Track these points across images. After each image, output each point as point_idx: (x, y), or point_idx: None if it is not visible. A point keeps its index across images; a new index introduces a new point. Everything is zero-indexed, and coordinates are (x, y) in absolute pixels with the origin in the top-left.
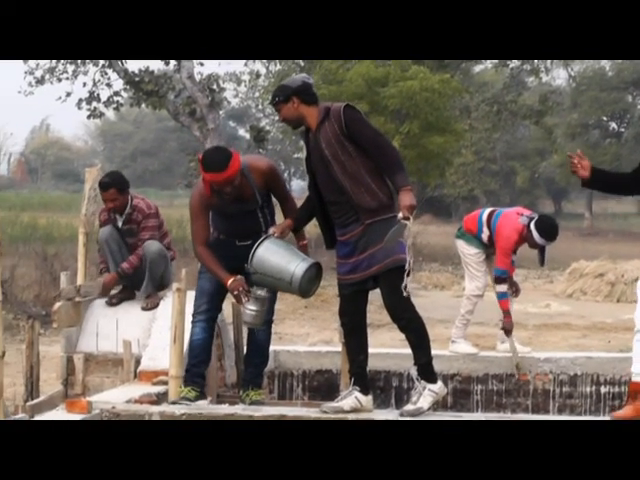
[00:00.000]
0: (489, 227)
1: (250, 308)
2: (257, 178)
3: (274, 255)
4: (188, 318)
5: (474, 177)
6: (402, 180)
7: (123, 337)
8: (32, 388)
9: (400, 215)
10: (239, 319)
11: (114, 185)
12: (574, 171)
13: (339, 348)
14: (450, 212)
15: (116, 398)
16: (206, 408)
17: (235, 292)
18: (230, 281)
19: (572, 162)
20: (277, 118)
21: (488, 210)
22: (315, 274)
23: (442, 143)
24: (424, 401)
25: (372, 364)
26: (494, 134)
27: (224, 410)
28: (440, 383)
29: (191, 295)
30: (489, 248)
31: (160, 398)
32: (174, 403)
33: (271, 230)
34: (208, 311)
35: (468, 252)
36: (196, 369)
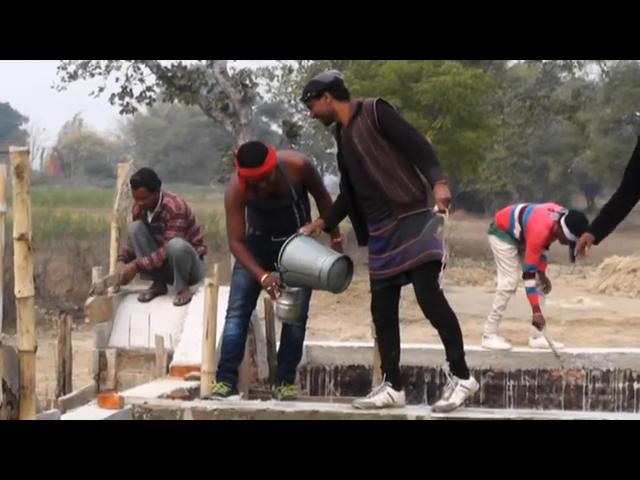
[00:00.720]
0: (521, 223)
1: (283, 303)
2: (293, 174)
3: (302, 252)
4: (220, 313)
5: (507, 172)
6: (436, 174)
7: (155, 332)
8: (64, 383)
9: (435, 208)
10: (271, 314)
11: (143, 184)
12: (581, 252)
13: (371, 344)
14: (483, 207)
15: (148, 393)
16: (238, 403)
17: (268, 288)
18: (264, 277)
19: (580, 249)
20: (309, 113)
21: (520, 206)
22: (345, 269)
23: (475, 138)
24: (456, 397)
25: (404, 360)
26: (527, 129)
27: (256, 406)
28: (472, 379)
29: (223, 290)
30: (521, 244)
31: (192, 393)
32: (206, 399)
33: (301, 230)
34: (243, 307)
35: (500, 248)
36: (229, 364)
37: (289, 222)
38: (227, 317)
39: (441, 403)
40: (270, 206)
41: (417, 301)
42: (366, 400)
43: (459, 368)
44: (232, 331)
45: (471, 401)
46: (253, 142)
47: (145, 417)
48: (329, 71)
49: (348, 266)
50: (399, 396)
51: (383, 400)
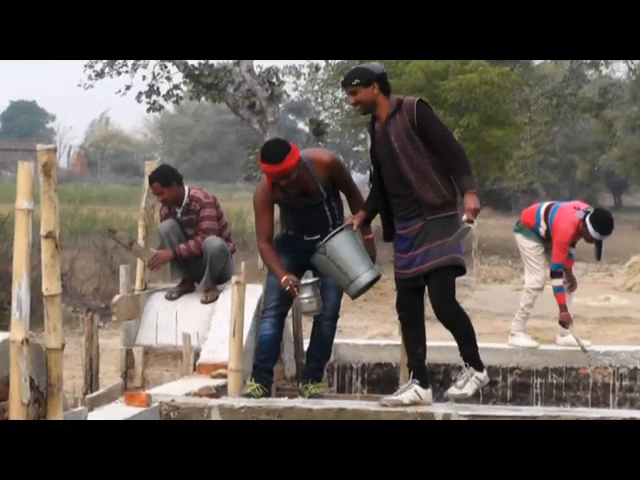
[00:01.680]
0: (546, 221)
1: (303, 297)
2: (320, 171)
3: (351, 249)
4: (247, 312)
5: (533, 170)
6: (468, 182)
7: (182, 330)
8: (91, 381)
9: (464, 218)
10: (298, 313)
11: (157, 179)
12: None
13: (398, 341)
14: (509, 205)
15: (175, 391)
16: (265, 401)
17: (287, 288)
18: (284, 278)
19: None
20: (349, 99)
21: (546, 204)
22: (371, 283)
23: (501, 136)
24: (469, 387)
25: (431, 357)
26: (554, 127)
27: (283, 403)
28: (485, 372)
29: (250, 288)
30: (547, 242)
31: (219, 391)
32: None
33: (349, 220)
34: (278, 307)
35: (527, 246)
36: (265, 365)
37: (321, 221)
38: (263, 317)
39: (454, 392)
40: (300, 205)
41: (430, 302)
42: (393, 398)
43: (474, 361)
44: (268, 331)
45: (498, 399)
46: (277, 139)
47: (172, 415)
48: (376, 63)
49: (374, 282)
50: (426, 394)
51: (410, 398)
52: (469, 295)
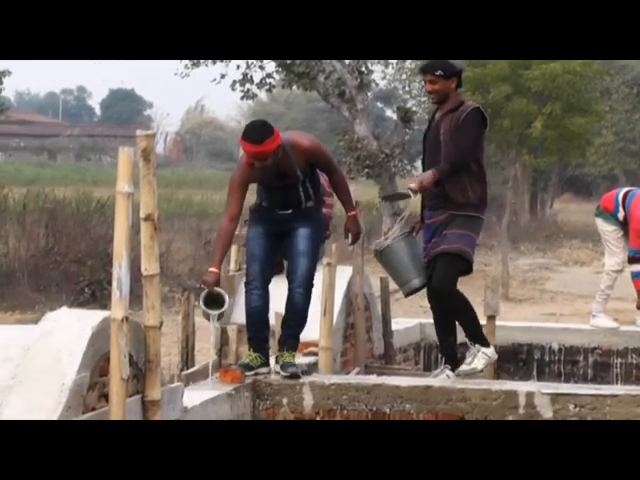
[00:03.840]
0: (624, 207)
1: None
2: (298, 155)
3: (405, 256)
4: (337, 292)
5: (614, 157)
6: (440, 168)
7: (275, 310)
8: (187, 358)
9: (412, 186)
10: (387, 293)
11: None
12: None
13: (483, 321)
14: (590, 190)
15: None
16: (354, 378)
17: (203, 281)
18: (210, 270)
19: None
20: (425, 86)
21: (624, 190)
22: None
23: (583, 124)
24: (478, 362)
25: (514, 337)
26: (634, 115)
27: (372, 380)
28: (492, 348)
29: (340, 269)
30: (625, 226)
31: (310, 368)
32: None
33: (411, 224)
34: (261, 277)
35: (606, 229)
36: (261, 335)
37: (294, 199)
38: (248, 289)
39: (464, 368)
40: (276, 185)
41: (432, 284)
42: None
43: (478, 338)
44: (256, 302)
45: (580, 378)
46: (263, 121)
47: (265, 391)
48: (456, 60)
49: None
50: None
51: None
52: (551, 278)
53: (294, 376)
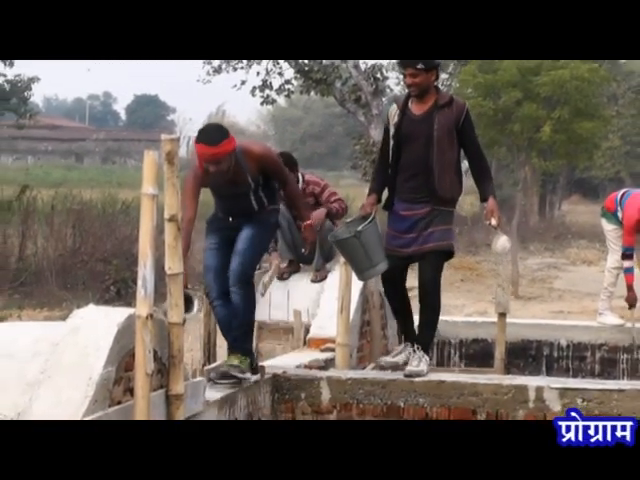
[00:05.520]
0: (621, 206)
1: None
2: (250, 163)
3: (377, 237)
4: (354, 290)
5: (620, 160)
6: (492, 188)
7: (294, 307)
8: (209, 353)
9: (494, 222)
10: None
11: None
12: None
13: (494, 319)
14: (597, 193)
15: (287, 363)
16: (370, 373)
17: None
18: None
19: None
20: (405, 79)
21: (623, 190)
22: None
23: (591, 128)
24: (424, 366)
25: (524, 334)
26: (639, 120)
27: (387, 376)
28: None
29: None
30: None
31: (328, 364)
32: (225, 374)
33: (366, 209)
34: (219, 289)
35: (607, 228)
36: (243, 337)
37: (245, 208)
38: (209, 303)
39: (413, 369)
40: (228, 192)
41: (419, 278)
42: (390, 359)
43: (427, 346)
44: (221, 314)
45: (587, 373)
46: (219, 125)
47: (285, 385)
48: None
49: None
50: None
51: (404, 359)
52: (559, 276)
53: (224, 376)
